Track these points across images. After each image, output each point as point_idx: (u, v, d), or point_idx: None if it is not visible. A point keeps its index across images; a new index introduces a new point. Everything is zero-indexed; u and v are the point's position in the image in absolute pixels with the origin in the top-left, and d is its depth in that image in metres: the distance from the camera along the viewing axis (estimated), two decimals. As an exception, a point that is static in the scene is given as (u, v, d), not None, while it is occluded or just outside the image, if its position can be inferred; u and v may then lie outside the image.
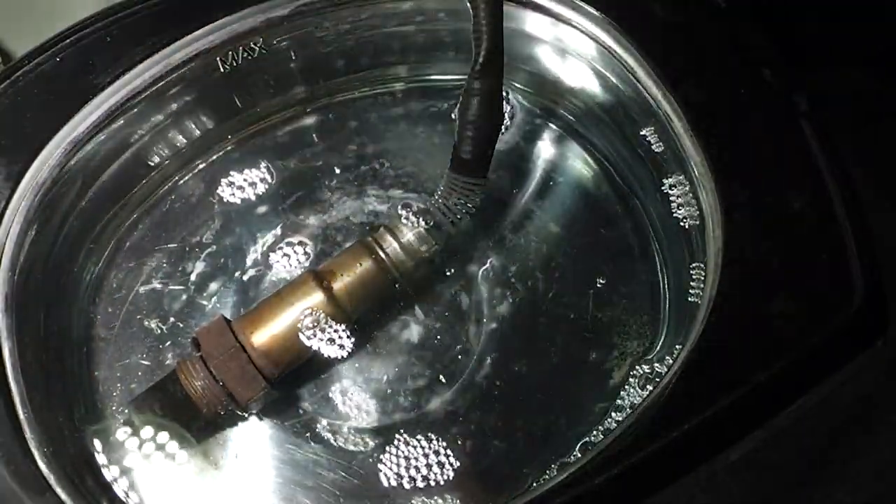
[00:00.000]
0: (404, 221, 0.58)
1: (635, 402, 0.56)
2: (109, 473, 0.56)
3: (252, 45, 0.63)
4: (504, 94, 0.55)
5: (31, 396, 0.53)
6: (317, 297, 0.56)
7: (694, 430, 0.46)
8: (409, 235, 0.58)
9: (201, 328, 0.57)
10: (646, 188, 0.62)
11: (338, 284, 0.57)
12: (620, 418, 0.55)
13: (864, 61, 0.59)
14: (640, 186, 0.63)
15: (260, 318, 0.56)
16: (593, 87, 0.65)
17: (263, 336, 0.55)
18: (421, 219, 0.58)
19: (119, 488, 0.56)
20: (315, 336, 0.56)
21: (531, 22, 0.64)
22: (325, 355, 0.57)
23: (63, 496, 0.49)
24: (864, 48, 0.60)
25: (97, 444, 0.57)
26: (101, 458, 0.56)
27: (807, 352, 0.48)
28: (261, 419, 0.58)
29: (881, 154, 0.56)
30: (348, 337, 0.57)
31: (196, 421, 0.55)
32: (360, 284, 0.57)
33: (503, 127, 0.59)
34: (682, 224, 0.58)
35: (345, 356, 0.57)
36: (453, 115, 0.55)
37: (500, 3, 0.51)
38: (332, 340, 0.56)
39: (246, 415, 0.57)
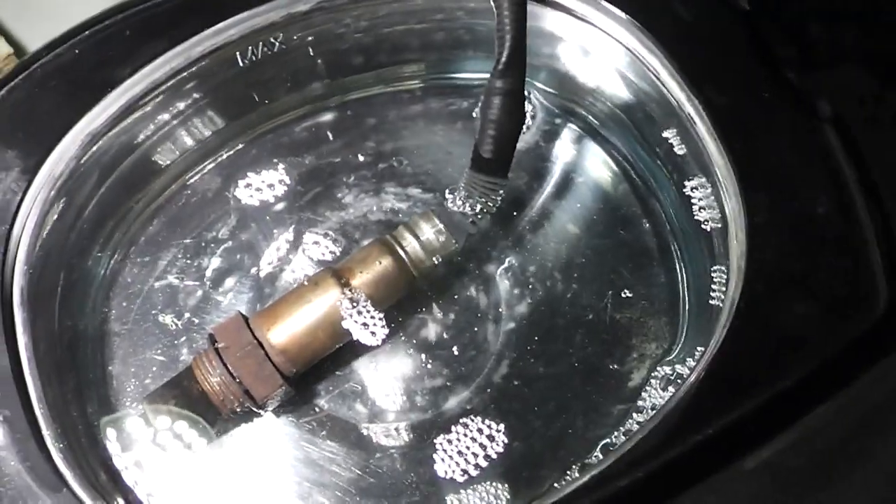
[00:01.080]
0: (424, 220, 0.58)
1: (657, 403, 0.55)
2: (124, 469, 0.56)
3: (272, 41, 0.63)
4: (525, 93, 0.55)
5: (46, 392, 0.52)
6: (335, 295, 0.56)
7: (717, 433, 0.45)
8: (428, 234, 0.57)
9: (218, 324, 0.57)
10: (667, 190, 0.62)
11: (356, 282, 0.56)
12: (641, 420, 0.55)
13: (867, 62, 0.59)
14: (660, 188, 0.63)
15: (278, 315, 0.56)
16: (615, 87, 0.64)
17: (281, 333, 0.55)
18: (441, 217, 0.57)
19: (133, 484, 0.55)
20: (351, 317, 0.56)
21: (554, 21, 0.64)
22: (357, 340, 0.56)
23: (79, 492, 0.48)
24: (866, 49, 0.60)
25: (111, 439, 0.57)
26: (115, 454, 0.56)
27: (829, 357, 0.47)
28: (276, 417, 0.58)
29: (882, 156, 0.55)
30: (382, 326, 0.57)
31: (211, 417, 0.55)
32: (379, 283, 0.56)
33: (524, 127, 0.58)
34: (703, 227, 0.57)
35: (378, 344, 0.57)
36: (475, 114, 0.55)
37: (524, 2, 0.51)
38: (365, 325, 0.56)
39: (262, 412, 0.57)
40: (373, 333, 0.56)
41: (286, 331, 0.55)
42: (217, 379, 0.54)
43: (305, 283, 0.57)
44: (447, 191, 0.60)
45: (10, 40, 0.73)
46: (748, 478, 0.46)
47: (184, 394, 0.54)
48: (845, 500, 0.48)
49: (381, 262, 0.57)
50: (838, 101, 0.55)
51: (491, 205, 0.57)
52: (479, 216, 0.58)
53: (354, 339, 0.57)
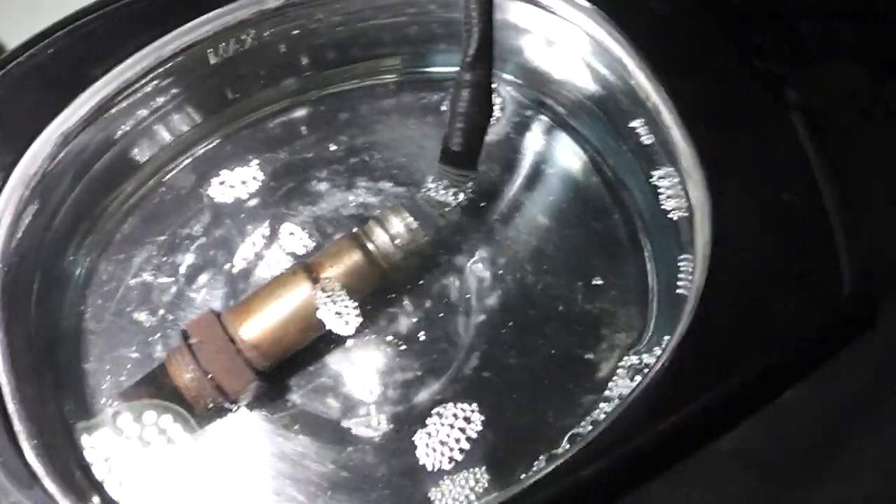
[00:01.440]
0: (393, 213, 0.58)
1: (624, 393, 0.55)
2: (98, 467, 0.56)
3: (243, 37, 0.63)
4: (494, 85, 0.55)
5: (21, 389, 0.53)
6: (306, 290, 0.56)
7: (681, 421, 0.46)
8: (398, 227, 0.57)
9: (190, 321, 0.57)
10: (635, 180, 0.62)
11: (326, 276, 0.57)
12: (609, 409, 0.55)
13: (861, 58, 0.59)
14: (629, 178, 0.63)
15: (250, 311, 0.56)
16: (583, 78, 0.65)
17: (253, 328, 0.55)
18: (410, 211, 0.58)
19: (107, 481, 0.56)
20: (325, 306, 0.56)
21: (520, 13, 0.64)
22: (330, 331, 0.57)
23: (52, 489, 0.49)
24: (861, 45, 0.60)
25: (86, 437, 0.57)
26: (89, 451, 0.56)
27: (795, 343, 0.48)
28: (250, 412, 0.58)
29: (877, 152, 0.56)
30: (356, 315, 0.57)
31: (184, 413, 0.55)
32: (349, 276, 0.57)
33: (493, 119, 0.58)
34: (670, 216, 0.58)
35: (351, 333, 0.57)
36: (444, 107, 0.55)
37: None
38: (339, 314, 0.56)
39: (234, 408, 0.57)
40: (346, 322, 0.57)
41: (258, 326, 0.55)
42: (190, 375, 0.54)
43: (277, 278, 0.58)
44: (422, 184, 0.60)
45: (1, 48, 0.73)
46: (721, 465, 0.47)
47: (157, 390, 0.55)
48: (826, 487, 0.48)
49: (350, 257, 0.57)
50: (809, 89, 0.56)
51: (461, 197, 0.58)
52: (449, 209, 0.58)
53: (326, 330, 0.57)
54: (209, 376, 0.54)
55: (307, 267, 0.57)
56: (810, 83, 0.57)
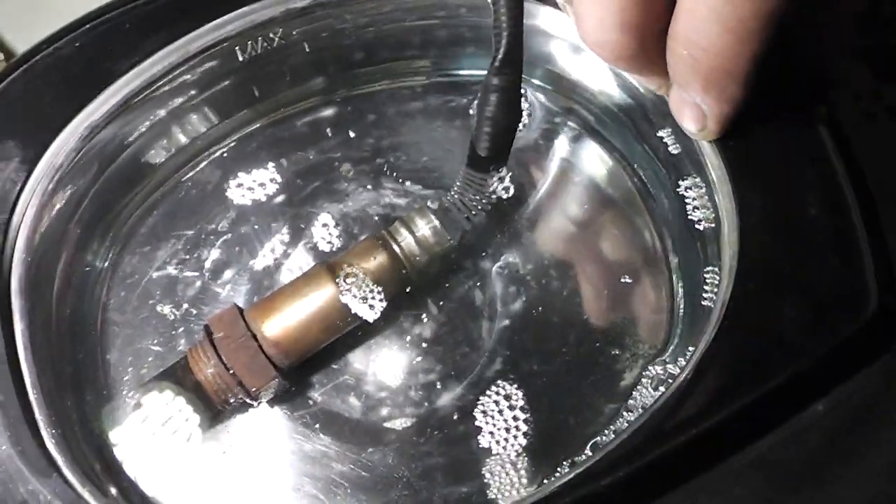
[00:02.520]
0: (419, 216, 0.58)
1: (647, 402, 0.55)
2: (117, 457, 0.56)
3: (271, 36, 0.63)
4: (522, 91, 0.55)
5: (42, 378, 0.53)
6: (329, 289, 0.56)
7: (703, 433, 0.45)
8: (423, 230, 0.58)
9: (213, 316, 0.57)
10: (662, 189, 0.62)
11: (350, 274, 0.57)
12: (632, 419, 0.55)
13: (863, 58, 0.59)
14: (656, 187, 0.63)
15: (273, 308, 0.56)
16: (611, 85, 0.64)
17: (275, 326, 0.55)
18: (436, 213, 0.58)
19: (126, 472, 0.56)
20: (350, 292, 0.56)
21: (549, 18, 0.64)
22: (356, 313, 0.57)
23: (71, 478, 0.49)
24: (862, 44, 0.59)
25: (106, 427, 0.57)
26: (109, 442, 0.57)
27: (818, 358, 0.47)
28: (271, 408, 0.58)
29: (880, 155, 0.55)
30: (381, 301, 0.57)
31: (205, 408, 0.56)
32: (373, 277, 0.57)
33: (521, 124, 0.58)
34: (697, 227, 0.57)
35: (377, 317, 0.57)
36: (471, 111, 0.55)
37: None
38: (364, 299, 0.56)
39: (255, 404, 0.57)
40: (371, 307, 0.57)
41: (280, 323, 0.56)
42: (211, 370, 0.54)
43: (301, 277, 0.58)
44: (448, 187, 0.60)
45: (3, 47, 0.73)
46: (739, 476, 0.46)
47: (178, 384, 0.55)
48: (836, 493, 0.48)
49: (375, 258, 0.57)
50: (834, 98, 0.55)
51: (486, 202, 0.58)
52: (475, 213, 0.58)
53: (349, 330, 0.58)
54: (231, 372, 0.54)
55: (331, 266, 0.57)
56: (812, 84, 0.56)
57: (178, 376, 0.55)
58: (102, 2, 0.61)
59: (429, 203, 0.59)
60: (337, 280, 0.56)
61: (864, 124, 0.55)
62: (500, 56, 0.52)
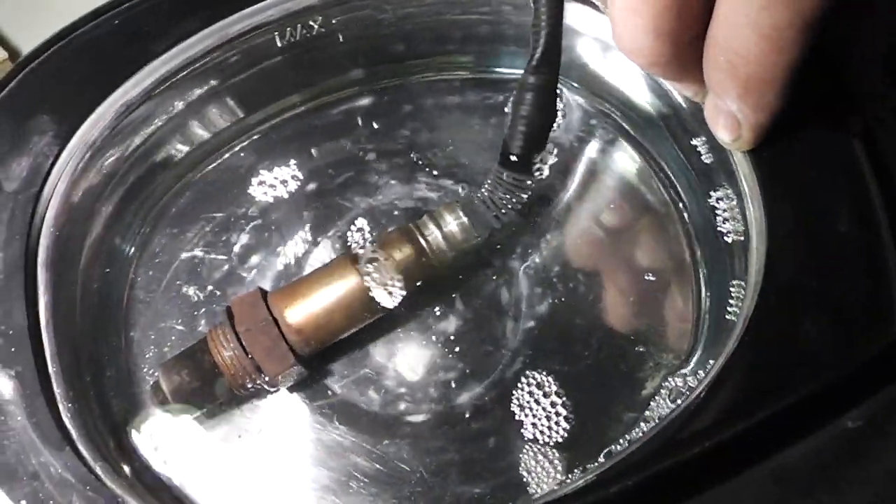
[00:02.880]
0: (448, 211, 0.58)
1: (664, 413, 0.55)
2: (132, 435, 0.57)
3: (311, 23, 0.63)
4: (559, 91, 0.54)
5: (62, 352, 0.53)
6: (354, 279, 0.56)
7: (717, 446, 0.45)
8: (451, 225, 0.57)
9: (236, 298, 0.57)
10: (693, 198, 0.61)
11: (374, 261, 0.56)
12: (648, 428, 0.54)
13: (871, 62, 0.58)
14: (688, 196, 0.62)
15: (296, 294, 0.56)
16: (647, 90, 0.64)
17: (298, 313, 0.55)
18: (465, 210, 0.57)
19: (141, 452, 0.56)
20: (371, 277, 0.56)
21: (586, 19, 0.63)
22: (375, 299, 0.56)
23: (84, 453, 0.49)
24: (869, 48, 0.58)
25: (123, 405, 0.58)
26: (125, 420, 0.57)
27: (839, 376, 0.46)
28: (289, 396, 0.58)
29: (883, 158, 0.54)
30: (401, 289, 0.56)
31: (223, 391, 0.56)
32: (397, 269, 0.56)
33: (555, 124, 0.58)
34: (726, 238, 0.57)
35: (396, 305, 0.56)
36: (506, 109, 0.55)
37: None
38: (384, 286, 0.56)
39: (273, 390, 0.57)
40: (390, 294, 0.56)
41: (303, 311, 0.55)
42: (230, 353, 0.54)
43: (326, 266, 0.58)
44: (480, 184, 0.59)
45: (6, 45, 0.74)
46: (755, 488, 0.46)
47: (197, 365, 0.55)
48: (844, 497, 0.47)
49: (401, 250, 0.57)
50: (870, 110, 0.54)
51: (517, 201, 0.57)
52: (504, 212, 0.57)
53: (371, 321, 0.57)
54: (249, 356, 0.54)
55: (356, 256, 0.57)
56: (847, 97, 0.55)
57: (197, 358, 0.55)
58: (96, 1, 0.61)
59: (458, 199, 0.58)
60: (358, 265, 0.56)
61: (874, 128, 0.54)
62: (537, 55, 0.52)
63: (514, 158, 0.55)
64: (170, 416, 0.57)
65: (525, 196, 0.57)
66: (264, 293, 0.57)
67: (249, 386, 0.55)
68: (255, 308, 0.55)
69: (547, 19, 0.51)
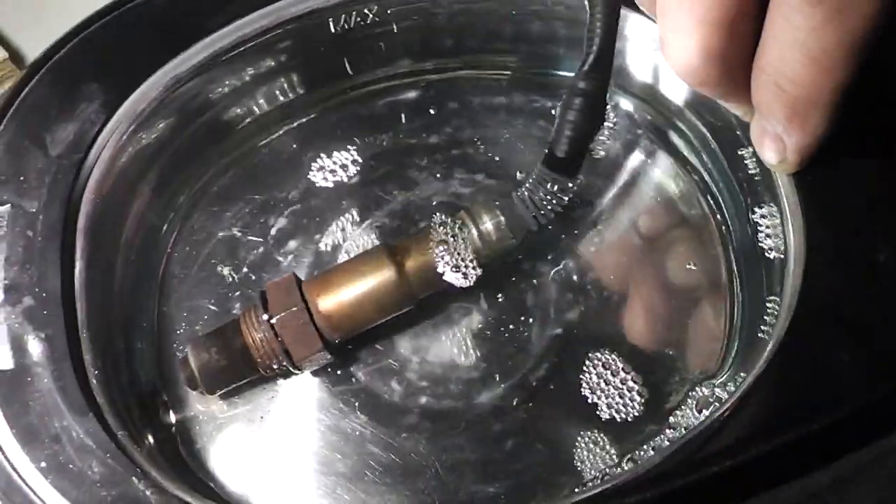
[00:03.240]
0: (485, 210, 0.57)
1: (690, 423, 0.54)
2: (157, 408, 0.57)
3: (365, 11, 0.64)
4: (608, 98, 0.54)
5: (93, 319, 0.54)
6: (387, 272, 0.56)
7: (738, 466, 0.44)
8: (487, 225, 0.57)
9: (271, 283, 0.57)
10: (735, 214, 0.61)
11: (409, 262, 0.56)
12: (670, 441, 0.54)
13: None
14: (729, 211, 0.62)
15: (329, 282, 0.56)
16: (695, 100, 0.64)
17: (330, 300, 0.56)
18: (503, 210, 0.57)
19: (164, 424, 0.57)
20: (443, 259, 0.56)
21: (641, 28, 0.63)
22: (452, 283, 0.57)
23: (108, 418, 0.50)
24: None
25: (150, 377, 0.58)
26: (151, 391, 0.58)
27: (868, 405, 0.46)
28: (313, 380, 0.59)
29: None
30: (474, 268, 0.57)
31: (250, 372, 0.56)
32: (431, 266, 0.57)
33: (601, 131, 0.58)
34: (766, 255, 0.56)
35: (470, 285, 0.57)
36: (554, 112, 0.55)
37: (619, 6, 0.51)
38: (457, 268, 0.56)
39: (298, 373, 0.58)
40: (464, 276, 0.56)
41: (335, 298, 0.56)
42: (260, 335, 0.55)
43: (361, 256, 0.58)
44: (521, 185, 0.59)
45: (6, 45, 0.74)
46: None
47: (226, 344, 0.55)
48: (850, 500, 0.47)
49: (437, 245, 0.57)
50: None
51: (556, 203, 0.57)
52: (543, 213, 0.57)
53: (398, 314, 0.58)
54: (279, 339, 0.54)
55: (391, 249, 0.57)
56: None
57: (227, 337, 0.55)
58: (104, 2, 0.61)
59: (497, 198, 0.58)
60: (396, 264, 0.56)
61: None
62: (589, 60, 0.51)
63: (558, 161, 0.55)
64: (195, 392, 0.57)
65: (565, 199, 0.57)
66: (299, 280, 0.57)
67: (275, 367, 0.56)
68: (288, 293, 0.56)
69: (602, 26, 0.51)
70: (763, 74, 0.45)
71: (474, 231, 0.57)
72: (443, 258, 0.56)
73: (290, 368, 0.56)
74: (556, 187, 0.56)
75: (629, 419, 0.56)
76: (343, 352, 0.59)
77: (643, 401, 0.56)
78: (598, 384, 0.57)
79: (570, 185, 0.56)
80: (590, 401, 0.57)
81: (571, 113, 0.53)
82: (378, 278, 0.56)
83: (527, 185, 0.57)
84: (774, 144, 0.50)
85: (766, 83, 0.45)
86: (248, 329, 0.55)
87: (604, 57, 0.52)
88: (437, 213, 0.64)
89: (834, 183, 0.52)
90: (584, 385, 0.57)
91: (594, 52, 0.51)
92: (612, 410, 0.56)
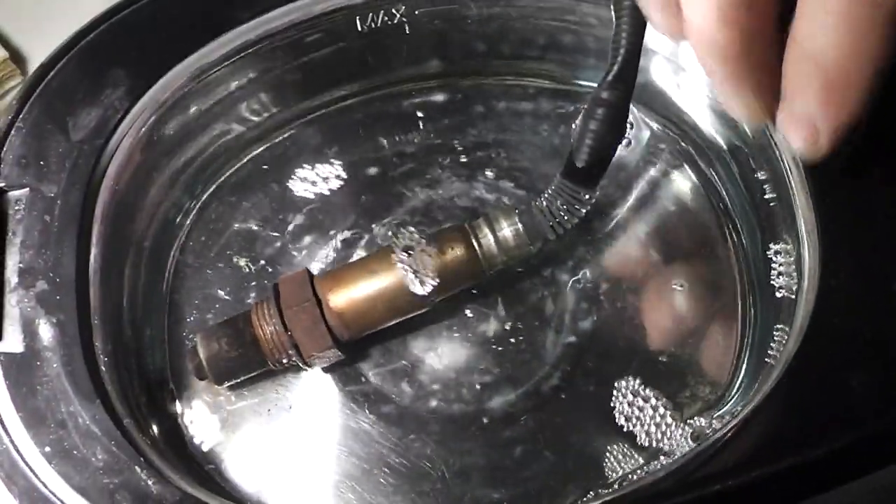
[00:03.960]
0: (504, 216, 0.57)
1: (701, 436, 0.54)
2: (164, 396, 0.57)
3: (393, 11, 0.63)
4: (631, 111, 0.54)
5: (106, 305, 0.54)
6: (402, 271, 0.56)
7: (733, 490, 0.44)
8: (506, 231, 0.57)
9: (284, 276, 0.58)
10: (750, 237, 0.61)
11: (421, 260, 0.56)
12: (667, 462, 0.54)
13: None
14: (745, 232, 0.61)
15: (342, 279, 0.56)
16: (717, 120, 0.63)
17: (341, 297, 0.55)
18: (521, 217, 0.57)
19: (170, 414, 0.57)
20: (402, 263, 0.56)
21: (665, 43, 0.63)
22: (409, 287, 0.56)
23: (116, 405, 0.50)
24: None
25: (160, 365, 0.58)
26: (160, 380, 0.58)
27: (869, 438, 0.45)
28: (322, 376, 0.59)
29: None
30: (434, 279, 0.56)
31: (259, 365, 0.56)
32: (446, 268, 0.56)
33: (623, 143, 0.57)
34: (777, 293, 0.56)
35: (426, 294, 0.56)
36: (576, 121, 0.54)
37: (644, 20, 0.51)
38: (416, 273, 0.56)
39: (308, 370, 0.57)
40: (422, 283, 0.56)
41: (346, 295, 0.55)
42: (271, 328, 0.55)
43: (375, 254, 0.58)
44: (540, 193, 0.58)
45: (7, 45, 0.74)
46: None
47: (237, 336, 0.55)
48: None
49: (452, 249, 0.56)
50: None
51: (574, 214, 0.57)
52: (561, 223, 0.57)
53: (412, 315, 0.57)
54: (289, 334, 0.54)
55: (405, 248, 0.57)
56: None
57: (238, 328, 0.55)
58: (106, 2, 0.61)
59: (518, 205, 0.58)
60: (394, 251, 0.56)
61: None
62: (613, 71, 0.51)
63: (577, 171, 0.54)
64: (203, 382, 0.57)
65: (583, 211, 0.56)
66: (311, 275, 0.57)
67: (285, 362, 0.56)
68: (301, 288, 0.56)
69: (627, 37, 0.50)
70: (797, 48, 0.44)
71: (491, 237, 0.57)
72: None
73: (300, 364, 0.56)
74: (574, 198, 0.56)
75: (642, 432, 0.56)
76: (354, 350, 0.59)
77: (657, 414, 0.56)
78: (612, 395, 0.57)
79: (588, 196, 0.56)
80: (602, 411, 0.57)
81: (593, 123, 0.53)
82: (392, 278, 0.56)
83: (545, 193, 0.57)
84: (806, 130, 0.48)
85: (800, 57, 0.44)
86: (258, 321, 0.55)
87: (627, 68, 0.51)
88: (446, 214, 0.64)
89: (853, 208, 0.51)
90: (597, 396, 0.57)
91: (618, 63, 0.51)
92: (625, 421, 0.56)
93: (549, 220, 0.56)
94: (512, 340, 0.59)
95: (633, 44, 0.51)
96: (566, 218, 0.56)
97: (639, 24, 0.50)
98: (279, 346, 0.55)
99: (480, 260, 0.57)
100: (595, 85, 0.57)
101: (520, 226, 0.57)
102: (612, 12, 0.50)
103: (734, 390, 0.56)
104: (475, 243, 0.57)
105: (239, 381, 0.57)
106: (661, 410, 0.56)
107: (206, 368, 0.55)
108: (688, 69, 0.62)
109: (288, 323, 0.54)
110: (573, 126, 0.56)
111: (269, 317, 0.55)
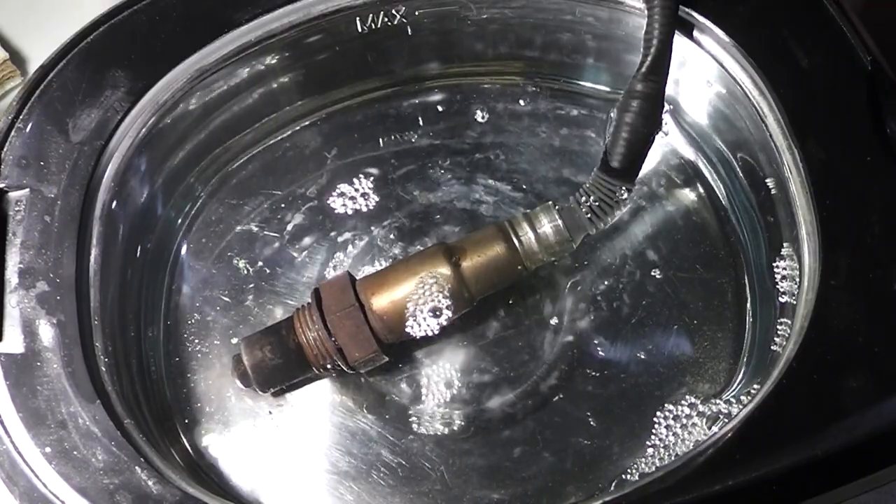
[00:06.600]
0: (544, 213, 0.57)
1: (699, 439, 0.54)
2: (164, 397, 0.58)
3: (393, 12, 0.63)
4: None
5: (106, 306, 0.54)
6: (444, 272, 0.55)
7: (738, 487, 0.44)
8: (546, 228, 0.57)
9: (324, 281, 0.58)
10: (753, 239, 0.61)
11: (467, 263, 0.56)
12: (668, 459, 0.54)
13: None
14: (747, 233, 0.62)
15: (384, 282, 0.56)
16: (726, 125, 0.63)
17: (384, 300, 0.55)
18: (561, 213, 0.57)
19: (172, 415, 0.58)
20: (424, 294, 0.56)
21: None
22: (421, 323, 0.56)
23: (115, 408, 0.50)
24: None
25: (161, 365, 0.58)
26: (161, 380, 0.58)
27: (867, 436, 0.46)
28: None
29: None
30: (448, 319, 0.56)
31: (303, 371, 0.56)
32: (489, 268, 0.56)
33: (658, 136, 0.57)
34: (780, 299, 0.56)
35: (432, 334, 0.56)
36: (611, 114, 0.54)
37: (676, 11, 0.51)
38: (435, 311, 0.56)
39: (352, 373, 0.58)
40: (438, 314, 0.56)
41: (389, 298, 0.56)
42: (314, 334, 0.55)
43: (417, 255, 0.58)
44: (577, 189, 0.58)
45: (7, 46, 0.74)
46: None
47: (280, 343, 0.55)
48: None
49: (493, 248, 0.56)
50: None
51: (613, 207, 0.57)
52: (600, 217, 0.57)
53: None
54: (333, 339, 0.54)
55: (448, 249, 0.57)
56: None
57: (281, 335, 0.55)
58: (106, 4, 0.61)
59: (555, 202, 0.58)
60: (453, 265, 0.56)
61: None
62: (647, 62, 0.51)
63: (614, 165, 0.55)
64: (203, 383, 0.58)
65: (623, 205, 0.57)
66: (353, 278, 0.57)
67: (329, 367, 0.56)
68: (343, 293, 0.55)
69: (660, 28, 0.51)
70: None
71: (532, 234, 0.57)
72: (422, 297, 0.56)
73: (345, 368, 0.56)
74: (611, 191, 0.56)
75: (637, 434, 0.56)
76: (396, 351, 0.59)
77: (657, 415, 0.56)
78: (611, 395, 0.57)
79: (627, 189, 0.56)
80: (601, 411, 0.57)
81: (629, 115, 0.53)
82: (435, 279, 0.56)
83: (583, 188, 0.57)
84: None
85: None
86: (301, 328, 0.55)
87: (661, 59, 0.51)
88: (445, 216, 0.65)
89: (854, 210, 0.51)
90: (596, 396, 0.57)
91: (651, 54, 0.51)
92: (615, 422, 0.57)
93: (588, 215, 0.56)
94: (510, 341, 0.60)
95: (665, 34, 0.51)
96: (605, 212, 0.56)
97: (671, 15, 0.50)
98: (323, 352, 0.55)
99: (521, 258, 0.57)
100: (596, 85, 0.58)
101: (559, 221, 0.57)
102: (644, 5, 0.51)
103: (734, 390, 0.57)
104: (515, 241, 0.57)
105: (284, 387, 0.58)
106: (661, 410, 0.56)
107: (250, 376, 0.55)
108: (688, 68, 0.63)
109: (331, 328, 0.54)
110: (608, 118, 0.56)
111: (312, 322, 0.55)
